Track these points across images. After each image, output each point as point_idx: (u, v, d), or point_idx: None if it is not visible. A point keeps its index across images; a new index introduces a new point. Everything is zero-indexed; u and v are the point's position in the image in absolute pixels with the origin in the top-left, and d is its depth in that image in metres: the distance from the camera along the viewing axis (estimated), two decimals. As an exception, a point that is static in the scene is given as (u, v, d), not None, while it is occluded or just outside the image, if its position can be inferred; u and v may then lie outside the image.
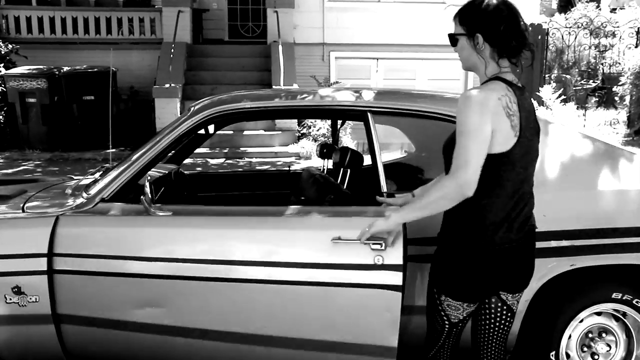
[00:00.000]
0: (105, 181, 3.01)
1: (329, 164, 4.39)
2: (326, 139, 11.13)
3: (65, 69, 10.87)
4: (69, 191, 3.27)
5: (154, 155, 2.98)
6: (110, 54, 12.20)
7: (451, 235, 2.45)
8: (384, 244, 2.62)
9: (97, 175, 3.56)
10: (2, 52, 11.46)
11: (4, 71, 10.99)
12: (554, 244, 2.91)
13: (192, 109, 3.25)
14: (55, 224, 2.83)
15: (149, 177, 2.75)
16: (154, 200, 2.78)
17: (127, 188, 2.93)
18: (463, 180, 2.20)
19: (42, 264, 2.79)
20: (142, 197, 2.75)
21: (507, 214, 2.35)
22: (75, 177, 4.19)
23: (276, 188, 4.60)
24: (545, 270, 2.89)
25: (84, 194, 3.05)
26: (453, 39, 2.40)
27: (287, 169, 4.74)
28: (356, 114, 3.11)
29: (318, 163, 10.43)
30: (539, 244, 2.73)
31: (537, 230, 2.56)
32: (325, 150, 4.20)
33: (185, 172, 4.65)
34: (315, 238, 2.74)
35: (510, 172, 2.30)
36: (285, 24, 12.58)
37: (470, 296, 2.46)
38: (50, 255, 2.80)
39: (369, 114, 3.00)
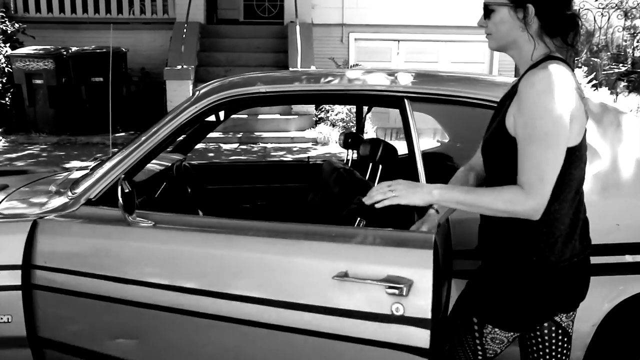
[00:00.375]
0: (93, 178, 2.54)
1: (350, 154, 3.92)
2: (345, 124, 10.66)
3: (73, 49, 10.42)
4: (53, 188, 2.81)
5: (150, 148, 2.52)
6: (120, 33, 11.83)
7: (505, 250, 1.96)
8: (404, 289, 1.96)
9: (92, 164, 3.12)
10: (9, 32, 11.04)
11: (10, 51, 10.57)
12: (629, 258, 2.43)
13: (197, 93, 2.77)
14: (32, 229, 2.38)
15: (122, 178, 2.25)
16: (136, 206, 2.26)
17: (119, 187, 2.46)
18: (539, 204, 1.78)
19: (15, 277, 2.33)
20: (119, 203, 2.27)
21: (574, 221, 1.93)
22: (68, 168, 3.75)
23: (293, 181, 4.14)
24: (617, 290, 2.42)
25: (69, 193, 2.59)
26: (488, 9, 1.92)
27: (306, 159, 4.27)
28: (391, 100, 2.62)
29: (336, 149, 10.03)
30: (610, 259, 2.36)
31: (608, 242, 2.22)
32: (350, 140, 3.70)
33: (194, 162, 4.21)
34: (314, 271, 2.12)
35: (578, 168, 1.89)
36: (303, 3, 12.01)
37: (525, 324, 2.00)
38: (27, 267, 2.35)
39: (406, 100, 2.53)
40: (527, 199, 1.76)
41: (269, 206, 4.11)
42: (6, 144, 9.88)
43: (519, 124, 1.80)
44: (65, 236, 2.39)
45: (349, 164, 3.85)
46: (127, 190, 2.18)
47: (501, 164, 1.92)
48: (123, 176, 2.26)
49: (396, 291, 1.95)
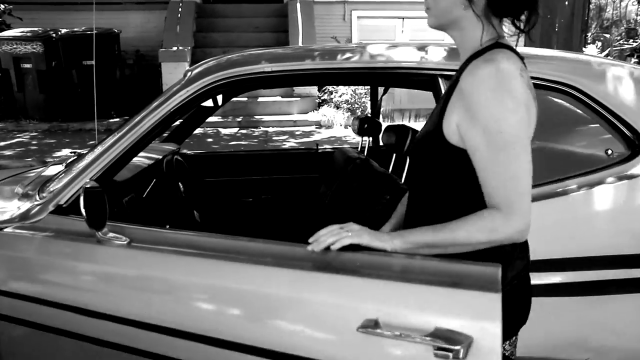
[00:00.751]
0: (65, 179, 2.09)
1: (367, 142, 3.48)
2: (350, 106, 10.20)
3: (63, 31, 9.92)
4: (19, 190, 2.36)
5: (133, 142, 2.07)
6: (112, 14, 11.32)
7: None
8: (461, 350, 1.33)
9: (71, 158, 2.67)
10: (-6, 13, 10.55)
11: (-4, 34, 10.08)
12: None
13: (190, 74, 2.32)
14: (-11, 243, 1.94)
15: (89, 184, 1.79)
16: (107, 217, 1.77)
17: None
18: (525, 223, 1.43)
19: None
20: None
21: None
22: (46, 162, 3.30)
23: (300, 171, 3.70)
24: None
25: (37, 196, 2.15)
26: None
27: (315, 146, 3.82)
28: (421, 79, 2.18)
29: (341, 132, 9.58)
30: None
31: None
32: (366, 126, 3.26)
33: (190, 152, 3.78)
34: (332, 317, 1.52)
35: None
36: (304, -21, 11.52)
37: None
38: (-17, 290, 1.91)
39: (440, 79, 2.09)
40: (508, 220, 1.42)
41: (274, 200, 3.68)
42: (-6, 132, 9.43)
43: (473, 133, 1.43)
44: (25, 253, 1.93)
45: (365, 153, 3.42)
46: (95, 197, 1.73)
47: (433, 176, 1.57)
48: (88, 180, 1.81)
49: (449, 353, 1.34)
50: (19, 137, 9.11)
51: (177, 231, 1.91)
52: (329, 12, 12.35)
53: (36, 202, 2.08)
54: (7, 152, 8.08)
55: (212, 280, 1.69)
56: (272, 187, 3.73)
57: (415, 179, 1.66)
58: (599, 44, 11.37)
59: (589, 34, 12.82)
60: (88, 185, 1.79)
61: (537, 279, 1.97)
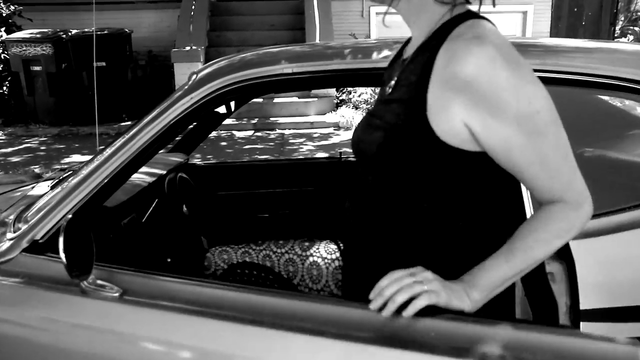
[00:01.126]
0: (45, 207, 1.73)
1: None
2: (369, 106, 9.81)
3: (73, 32, 9.62)
4: (-5, 218, 2.00)
5: (127, 160, 1.71)
6: (124, 14, 11.05)
7: None
8: None
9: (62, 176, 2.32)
10: (4, 15, 10.24)
11: (5, 36, 9.78)
12: None
13: (195, 77, 1.95)
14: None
15: (67, 221, 1.40)
16: (91, 262, 1.38)
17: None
18: (591, 203, 1.23)
19: None
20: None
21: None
22: (40, 174, 2.94)
23: (322, 183, 3.33)
24: None
25: (12, 228, 1.79)
26: None
27: (338, 155, 3.45)
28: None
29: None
30: None
31: None
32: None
33: (200, 162, 3.41)
34: None
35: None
36: (320, -25, 11.15)
37: None
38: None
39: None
40: (579, 209, 1.21)
41: (293, 216, 3.31)
42: (2, 137, 9.12)
43: (501, 127, 1.15)
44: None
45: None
46: (77, 236, 1.36)
47: (420, 187, 1.27)
48: (70, 216, 1.44)
49: None
50: (27, 143, 8.82)
51: (185, 280, 1.50)
52: (347, 9, 11.97)
53: (10, 236, 1.72)
54: (15, 159, 7.79)
55: (233, 350, 1.30)
56: (291, 201, 3.35)
57: (381, 178, 1.31)
58: (631, 37, 10.87)
59: (617, 27, 12.34)
60: (68, 221, 1.42)
61: (627, 331, 1.59)
